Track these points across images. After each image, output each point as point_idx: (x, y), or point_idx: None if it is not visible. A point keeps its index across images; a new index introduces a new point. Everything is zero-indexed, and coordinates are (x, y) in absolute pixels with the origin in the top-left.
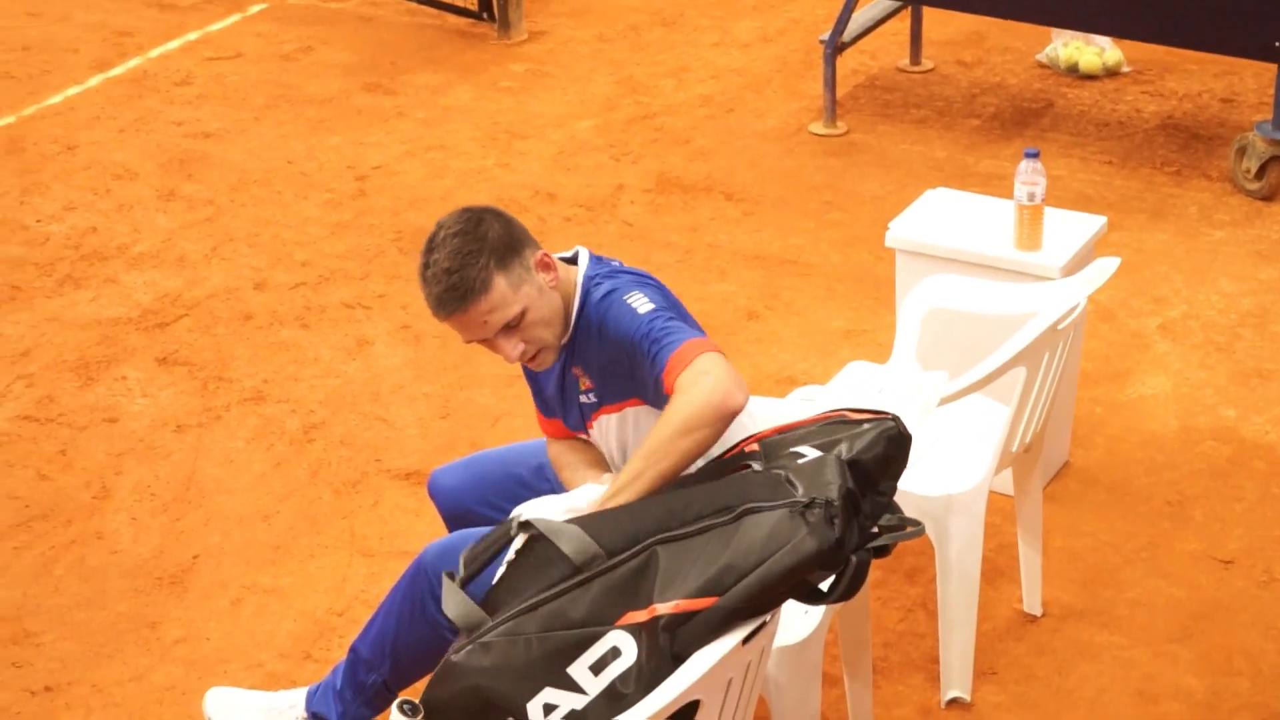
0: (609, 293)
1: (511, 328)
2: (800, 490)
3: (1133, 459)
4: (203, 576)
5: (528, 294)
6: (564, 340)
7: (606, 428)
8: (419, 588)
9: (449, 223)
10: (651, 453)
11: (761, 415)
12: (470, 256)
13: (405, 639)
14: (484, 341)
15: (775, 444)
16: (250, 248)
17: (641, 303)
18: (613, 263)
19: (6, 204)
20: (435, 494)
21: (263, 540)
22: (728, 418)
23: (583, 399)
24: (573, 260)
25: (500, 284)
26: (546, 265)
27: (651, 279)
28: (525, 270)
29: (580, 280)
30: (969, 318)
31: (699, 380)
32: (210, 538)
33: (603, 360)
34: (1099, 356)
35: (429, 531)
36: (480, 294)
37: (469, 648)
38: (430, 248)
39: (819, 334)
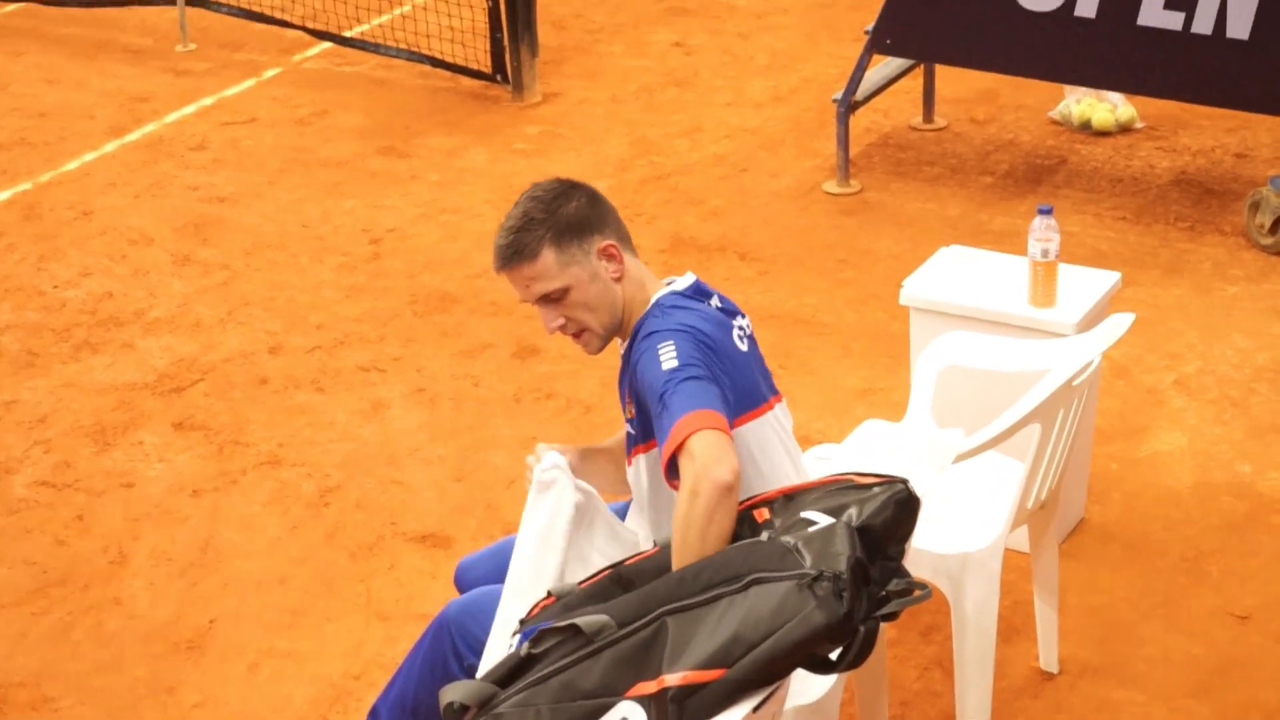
0: (651, 334)
1: (553, 300)
2: (809, 560)
3: (1149, 515)
4: (220, 641)
5: (575, 274)
6: (624, 348)
7: (639, 467)
8: (440, 646)
9: (541, 185)
10: (683, 560)
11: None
12: (532, 223)
13: (425, 699)
14: (533, 304)
15: (783, 508)
16: (265, 311)
17: (669, 357)
18: (705, 295)
19: (24, 270)
20: (462, 587)
21: (279, 604)
22: (723, 493)
23: (628, 427)
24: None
25: (548, 257)
26: (610, 255)
27: (702, 327)
28: (583, 252)
29: (653, 299)
30: (984, 375)
31: (685, 472)
32: (227, 602)
33: (638, 395)
34: (1114, 413)
35: (445, 594)
36: (526, 260)
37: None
38: (516, 202)
39: (834, 392)
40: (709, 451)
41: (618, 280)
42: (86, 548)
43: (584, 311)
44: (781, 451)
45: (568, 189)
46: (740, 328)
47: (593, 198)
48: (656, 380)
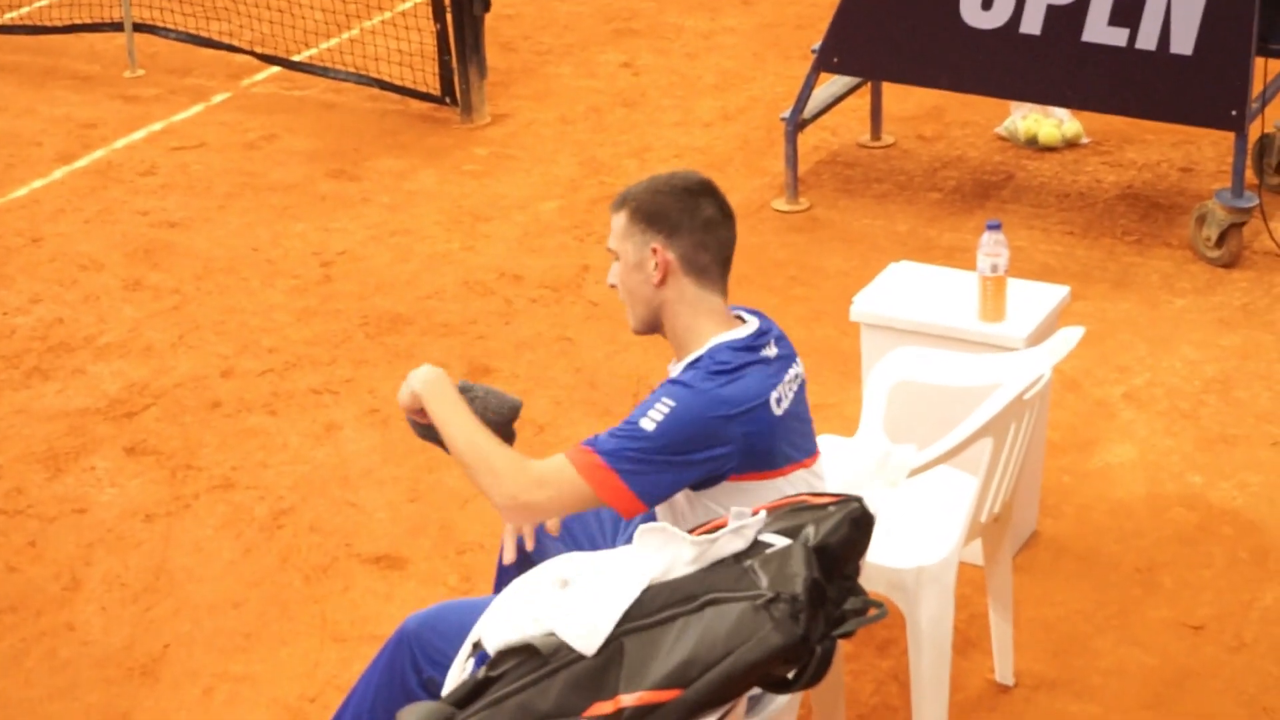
0: (674, 382)
1: (615, 259)
2: (765, 581)
3: (1101, 527)
4: (174, 666)
5: (626, 249)
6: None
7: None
8: (399, 660)
9: (682, 173)
10: (467, 440)
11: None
12: (634, 189)
13: (381, 714)
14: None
15: None
16: (217, 335)
17: (653, 417)
18: (759, 342)
19: None
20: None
21: (233, 628)
22: (509, 512)
23: None
24: (748, 319)
25: (620, 219)
26: (655, 258)
27: (719, 410)
28: (642, 239)
29: (710, 343)
30: (935, 390)
31: (545, 469)
32: (181, 626)
33: None
34: (1065, 426)
35: (400, 615)
36: (613, 210)
37: None
38: None
39: None
40: (557, 490)
41: (659, 286)
42: (38, 574)
43: (623, 287)
44: None
45: (691, 188)
46: (788, 381)
47: (693, 210)
48: (634, 415)
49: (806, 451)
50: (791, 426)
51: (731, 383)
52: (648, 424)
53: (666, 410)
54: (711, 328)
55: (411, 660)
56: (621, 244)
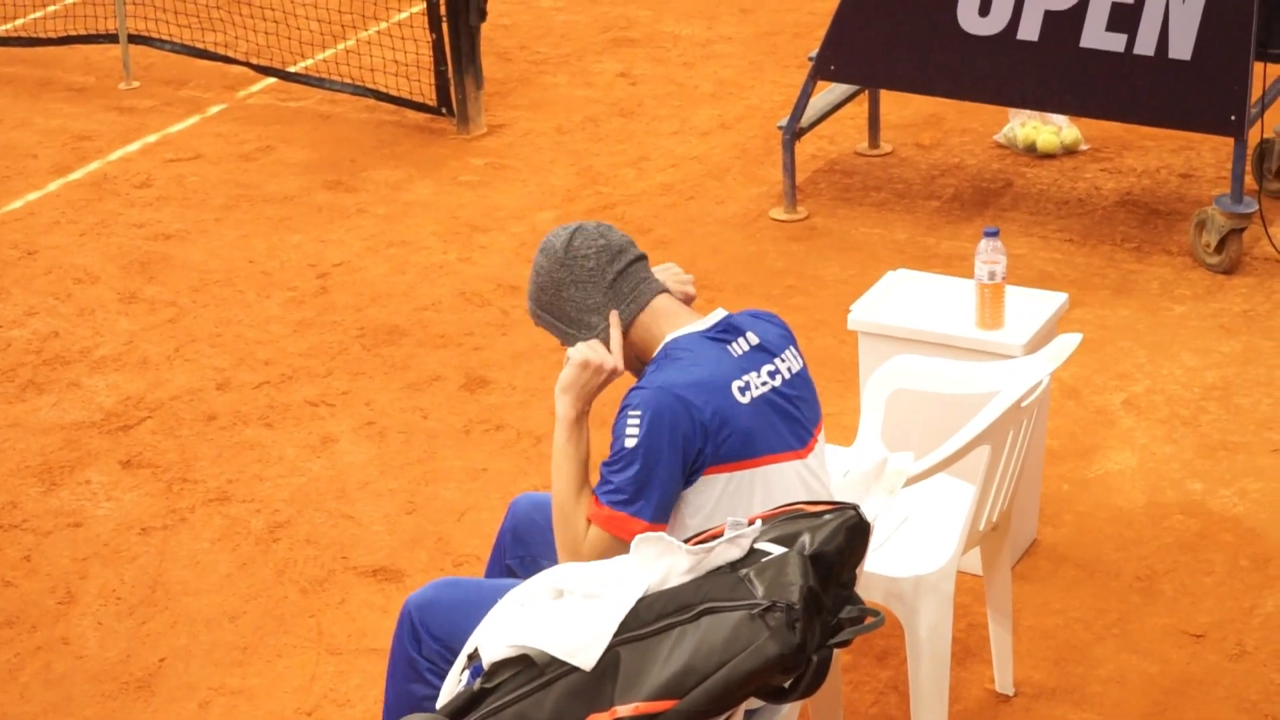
0: (631, 392)
1: None
2: (760, 590)
3: (1101, 535)
4: (170, 679)
5: (573, 343)
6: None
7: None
8: (401, 639)
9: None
10: (561, 500)
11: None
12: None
13: (399, 689)
14: None
15: None
16: (213, 348)
17: (630, 434)
18: (713, 341)
19: None
20: (515, 513)
21: (230, 641)
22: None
23: None
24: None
25: (550, 328)
26: (608, 327)
27: (671, 397)
28: (581, 333)
29: (661, 345)
30: (933, 398)
31: (588, 535)
32: (177, 640)
33: None
34: (1064, 434)
35: None
36: (538, 324)
37: None
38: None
39: None
40: (602, 553)
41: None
42: (34, 588)
43: (621, 361)
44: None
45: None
46: (761, 373)
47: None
48: (611, 449)
49: (796, 442)
50: (766, 417)
51: (685, 367)
52: (630, 442)
53: (638, 420)
54: (666, 327)
55: (411, 634)
56: (570, 342)
